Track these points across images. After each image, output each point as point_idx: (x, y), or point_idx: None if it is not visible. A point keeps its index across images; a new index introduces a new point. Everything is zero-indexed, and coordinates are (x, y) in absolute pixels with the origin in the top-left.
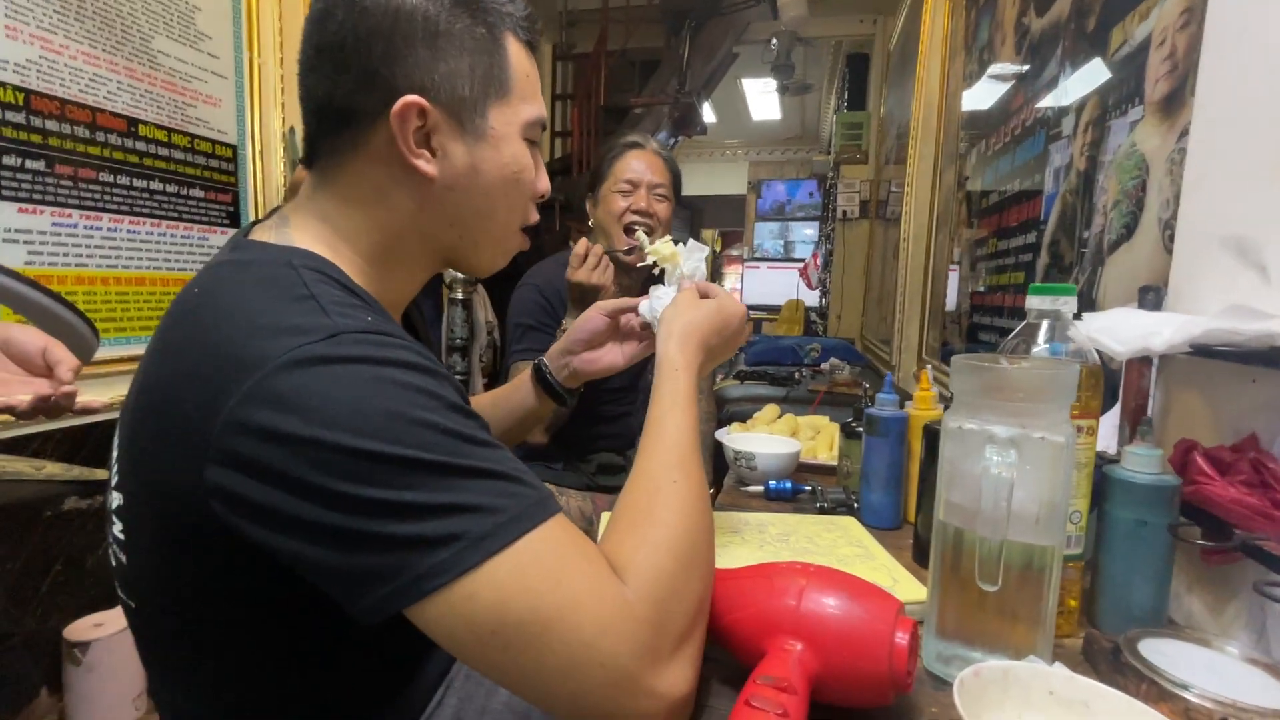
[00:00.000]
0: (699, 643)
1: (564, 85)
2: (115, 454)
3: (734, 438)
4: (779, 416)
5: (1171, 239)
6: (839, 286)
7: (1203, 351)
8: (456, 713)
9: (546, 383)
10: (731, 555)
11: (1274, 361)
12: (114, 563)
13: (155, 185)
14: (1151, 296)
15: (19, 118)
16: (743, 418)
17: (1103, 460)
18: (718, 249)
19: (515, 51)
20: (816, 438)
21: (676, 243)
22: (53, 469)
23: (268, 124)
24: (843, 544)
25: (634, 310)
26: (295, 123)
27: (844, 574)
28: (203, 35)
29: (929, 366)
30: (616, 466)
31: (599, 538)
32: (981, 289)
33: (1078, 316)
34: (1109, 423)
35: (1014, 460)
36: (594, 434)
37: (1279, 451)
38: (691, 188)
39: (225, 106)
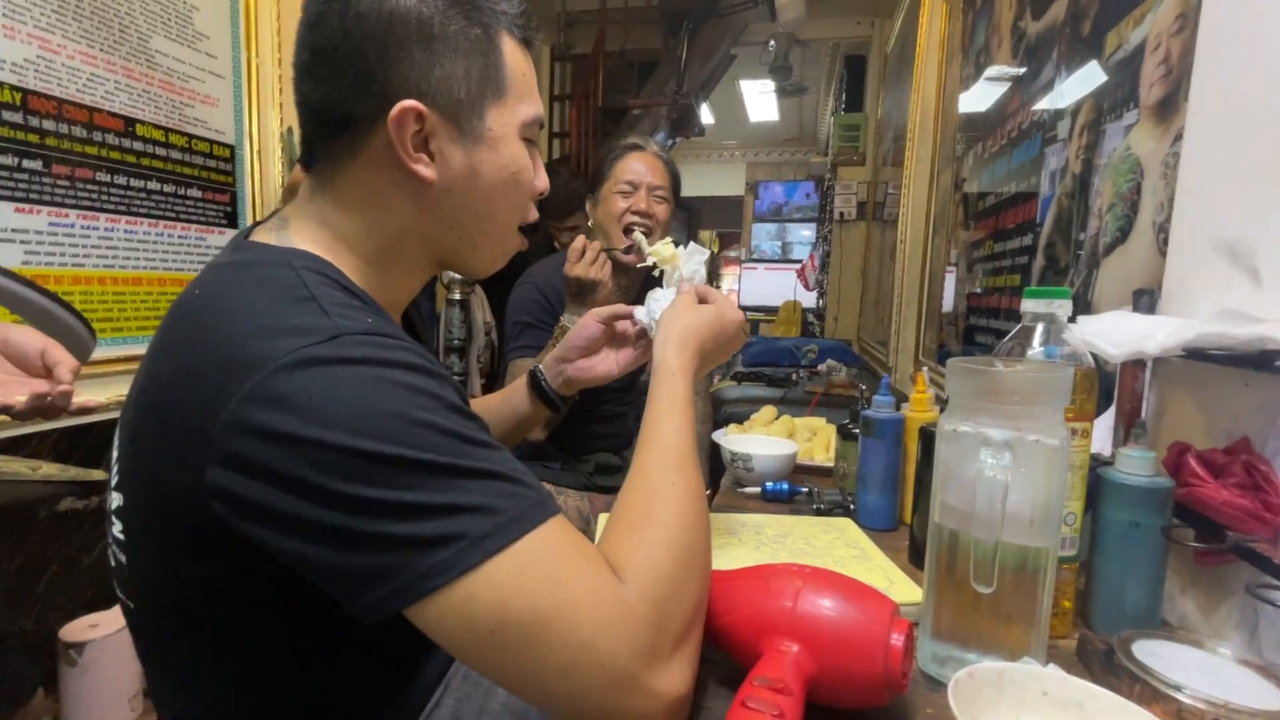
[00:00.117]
0: (697, 643)
1: (562, 86)
2: (115, 455)
3: (731, 439)
4: (776, 418)
5: (1165, 242)
6: (836, 288)
7: (1196, 355)
8: (454, 713)
9: (541, 389)
10: (728, 556)
11: (1266, 365)
12: (113, 563)
13: (152, 185)
14: (1145, 300)
15: (16, 117)
16: (740, 419)
17: (1097, 462)
18: (715, 250)
19: (511, 51)
20: (813, 439)
21: (677, 245)
22: (49, 469)
23: (266, 124)
24: (839, 545)
25: (629, 317)
26: (293, 123)
27: (840, 576)
28: (201, 35)
29: (925, 368)
30: (614, 466)
31: (597, 538)
32: (978, 291)
33: (1072, 319)
34: (1103, 425)
35: (1009, 463)
36: (591, 434)
37: (1271, 454)
38: (689, 189)
39: (223, 106)
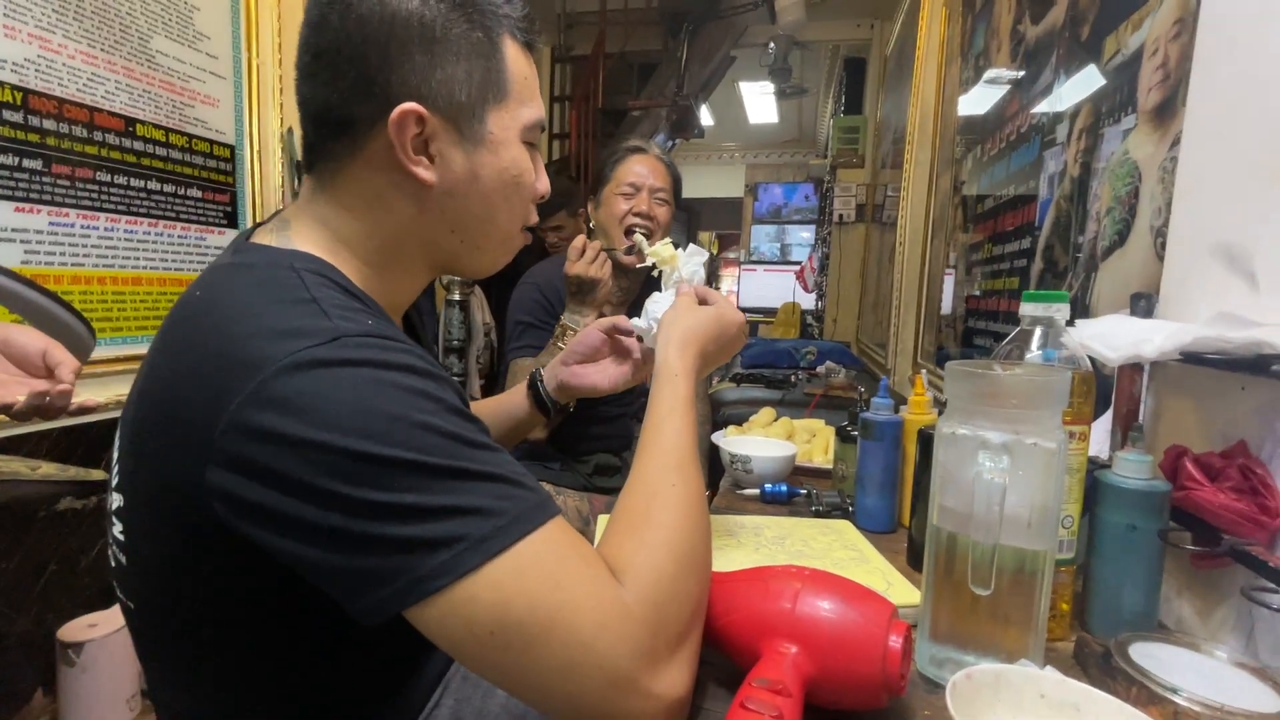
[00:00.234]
0: (696, 645)
1: (562, 87)
2: (116, 456)
3: (730, 441)
4: (775, 419)
5: (1163, 246)
6: (835, 290)
7: (1193, 359)
8: (454, 713)
9: (535, 392)
10: (727, 558)
11: (1262, 369)
12: (113, 564)
13: (153, 185)
14: (1143, 304)
15: (16, 117)
16: (739, 420)
17: (1094, 465)
18: (715, 251)
19: (513, 54)
20: (812, 441)
21: (677, 246)
22: (48, 469)
23: (266, 124)
24: (838, 547)
25: (630, 333)
26: (293, 123)
27: (839, 578)
28: (201, 35)
29: (924, 371)
30: (613, 468)
31: (596, 539)
32: (976, 293)
33: (1070, 323)
34: (1101, 428)
35: (1007, 465)
36: (591, 434)
37: (1268, 458)
38: (688, 190)
39: (223, 106)
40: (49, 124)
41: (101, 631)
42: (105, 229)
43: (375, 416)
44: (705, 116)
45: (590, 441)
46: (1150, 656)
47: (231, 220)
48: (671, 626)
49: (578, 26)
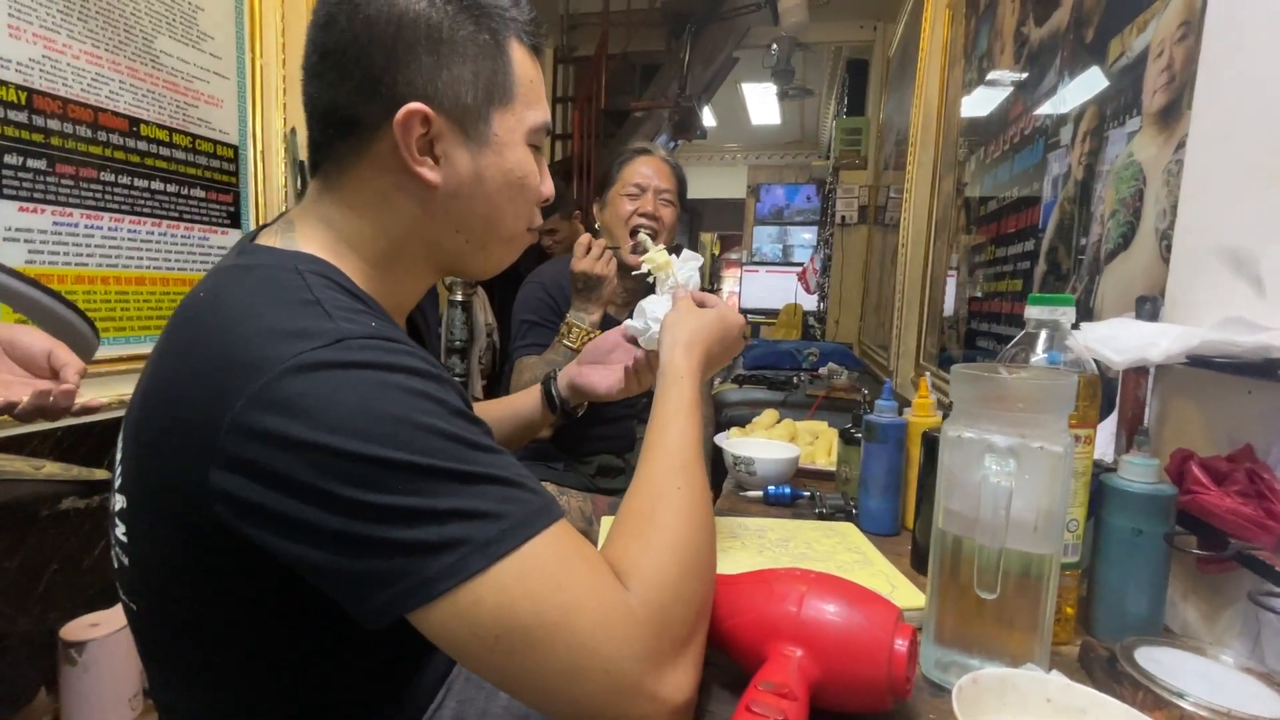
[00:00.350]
0: (700, 647)
1: (565, 88)
2: (120, 457)
3: (733, 442)
4: (778, 421)
5: (1168, 249)
6: (837, 291)
7: (1199, 362)
8: (457, 715)
9: (548, 391)
10: (731, 560)
11: (1269, 373)
12: (116, 565)
13: (156, 185)
14: (1149, 307)
15: (21, 117)
16: (741, 422)
17: (1100, 469)
18: (716, 252)
19: (519, 57)
20: (815, 443)
21: (671, 251)
22: (52, 468)
23: (269, 125)
24: (841, 550)
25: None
26: (297, 124)
27: (844, 580)
28: (205, 36)
29: (928, 373)
30: (616, 469)
31: (599, 540)
32: (979, 295)
33: (1075, 326)
34: (1105, 431)
35: (1013, 469)
36: (594, 435)
37: (1274, 462)
38: (691, 191)
39: (227, 107)
40: (53, 124)
41: (103, 631)
42: (109, 229)
43: (378, 419)
44: (708, 118)
45: (594, 442)
46: (1156, 661)
47: (235, 220)
48: (676, 629)
49: (580, 27)
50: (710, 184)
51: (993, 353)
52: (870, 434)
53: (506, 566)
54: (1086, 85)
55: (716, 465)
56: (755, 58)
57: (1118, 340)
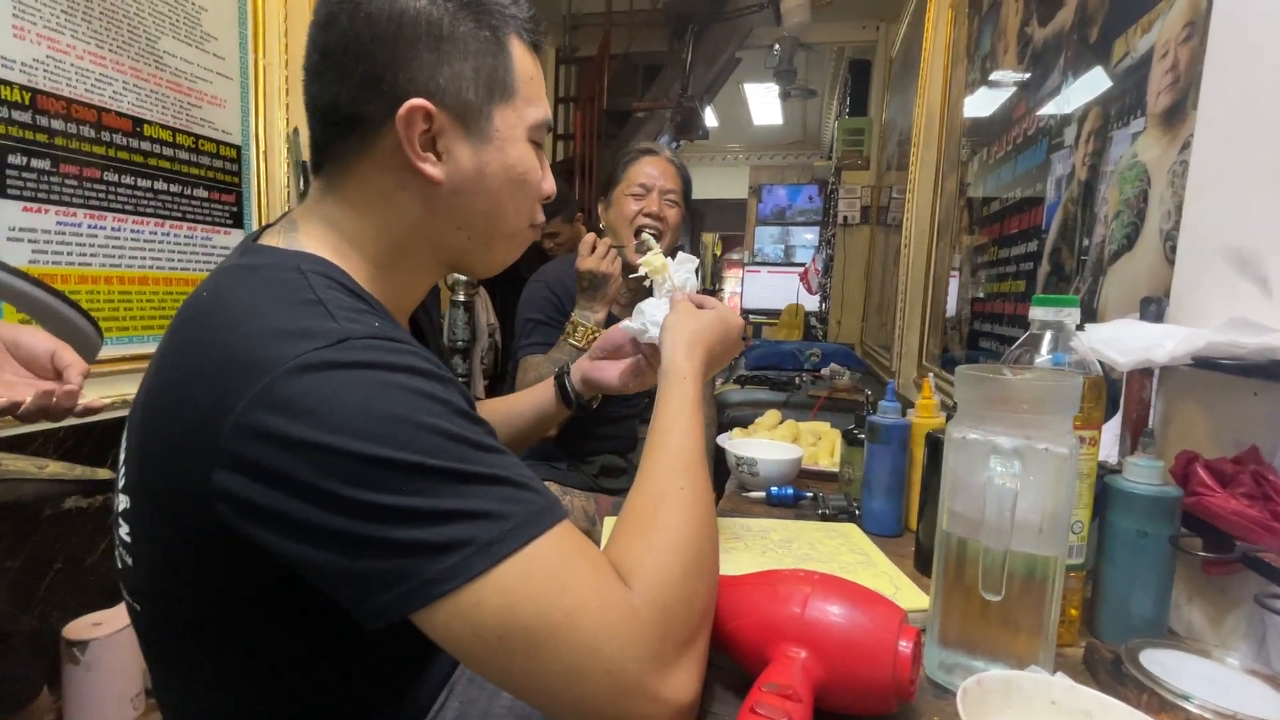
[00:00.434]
0: (704, 648)
1: (567, 88)
2: (123, 457)
3: (735, 443)
4: (780, 422)
5: (1173, 250)
6: (839, 292)
7: (1204, 364)
8: (459, 715)
9: (562, 385)
10: (734, 561)
11: (1275, 375)
12: (120, 565)
13: (159, 185)
14: (1153, 308)
15: (25, 117)
16: (744, 423)
17: (1104, 470)
18: (718, 253)
19: (519, 54)
20: (818, 444)
21: (668, 255)
22: (55, 468)
23: (272, 125)
24: (844, 551)
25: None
26: (300, 124)
27: (848, 582)
28: (208, 36)
29: (931, 374)
30: (619, 469)
31: (602, 540)
32: (982, 296)
33: (1080, 327)
34: (1109, 432)
35: (1018, 471)
36: (597, 435)
37: None
38: (693, 191)
39: (230, 107)
40: (57, 124)
41: (106, 630)
42: (112, 229)
43: (381, 419)
44: (710, 118)
45: (596, 442)
46: (1161, 663)
47: (237, 220)
48: (679, 630)
49: (583, 28)
50: (712, 184)
51: (995, 353)
52: (873, 435)
53: (509, 567)
54: (1090, 85)
55: (719, 466)
56: (757, 58)
57: (1122, 341)
